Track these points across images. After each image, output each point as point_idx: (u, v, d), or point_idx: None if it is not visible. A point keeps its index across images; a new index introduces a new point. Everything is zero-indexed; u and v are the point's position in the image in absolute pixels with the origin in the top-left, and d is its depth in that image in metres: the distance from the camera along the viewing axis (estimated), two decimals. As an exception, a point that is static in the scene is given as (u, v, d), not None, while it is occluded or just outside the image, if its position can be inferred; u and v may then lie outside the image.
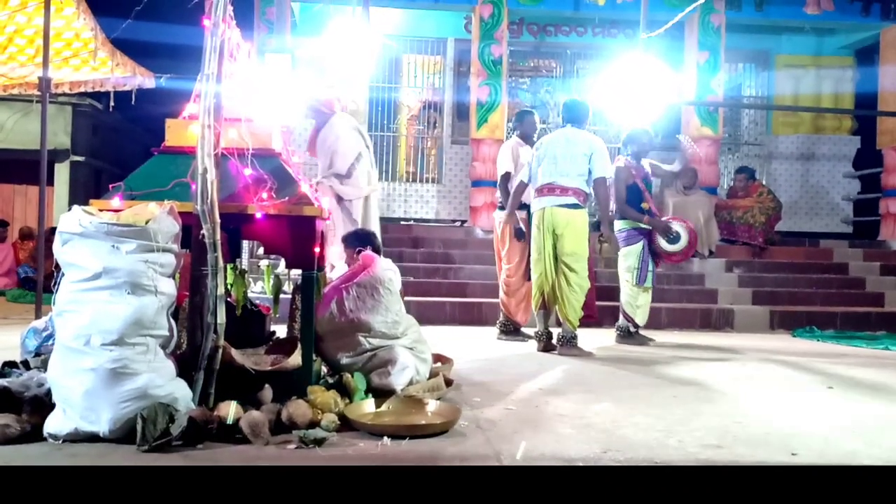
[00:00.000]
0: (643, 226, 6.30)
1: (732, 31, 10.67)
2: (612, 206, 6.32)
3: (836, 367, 5.38)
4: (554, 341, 5.78)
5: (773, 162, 11.98)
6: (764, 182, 10.89)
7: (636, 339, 6.38)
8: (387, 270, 4.01)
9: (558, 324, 5.80)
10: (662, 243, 6.30)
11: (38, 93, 6.40)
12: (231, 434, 2.80)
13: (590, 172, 5.74)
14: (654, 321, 7.71)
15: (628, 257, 6.40)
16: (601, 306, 7.53)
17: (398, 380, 3.58)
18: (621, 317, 6.51)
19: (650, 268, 6.38)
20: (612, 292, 7.70)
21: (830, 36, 11.79)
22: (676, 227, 6.32)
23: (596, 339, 6.28)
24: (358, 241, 4.33)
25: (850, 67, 12.02)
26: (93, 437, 2.71)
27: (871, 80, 11.24)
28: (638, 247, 6.34)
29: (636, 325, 6.45)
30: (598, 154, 5.75)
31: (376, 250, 4.30)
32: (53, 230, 3.10)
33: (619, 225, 6.38)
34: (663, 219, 6.50)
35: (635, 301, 6.42)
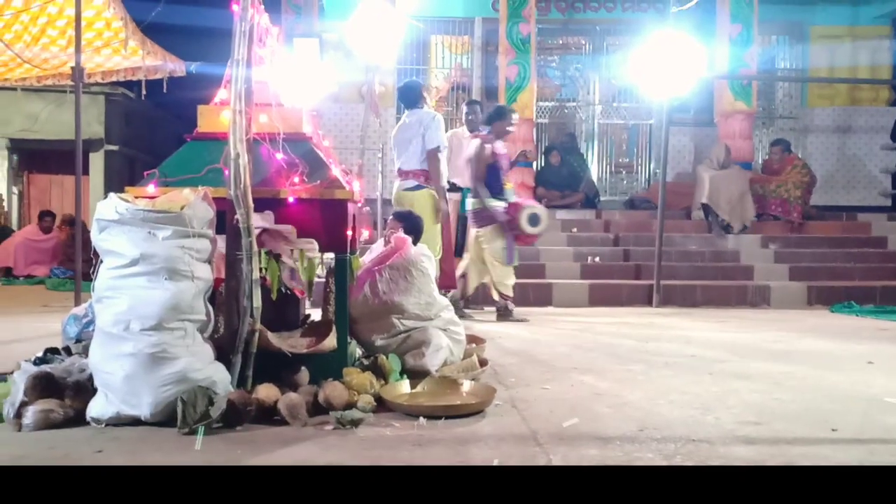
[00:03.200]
0: (497, 205, 6.29)
1: (765, 2, 10.49)
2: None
3: (875, 342, 5.30)
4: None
5: (808, 135, 11.78)
6: (800, 156, 10.73)
7: (515, 317, 6.35)
8: (420, 255, 4.02)
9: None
10: (525, 225, 6.24)
11: (71, 83, 6.47)
12: (269, 416, 2.84)
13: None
14: (690, 299, 7.69)
15: (493, 239, 6.35)
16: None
17: (433, 361, 3.60)
18: (497, 296, 6.47)
19: (516, 247, 6.40)
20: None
21: (866, 5, 11.54)
22: (536, 210, 6.31)
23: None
24: (411, 225, 4.44)
25: (888, 37, 11.75)
26: (134, 421, 2.75)
27: (909, 50, 11.01)
28: (498, 227, 6.35)
29: (512, 303, 6.44)
30: (421, 128, 5.95)
31: (416, 240, 4.44)
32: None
33: (476, 204, 6.37)
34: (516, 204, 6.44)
35: (506, 280, 6.39)
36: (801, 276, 8.40)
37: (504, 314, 6.37)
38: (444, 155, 6.04)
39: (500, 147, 6.45)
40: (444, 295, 6.50)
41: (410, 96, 6.19)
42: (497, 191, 6.33)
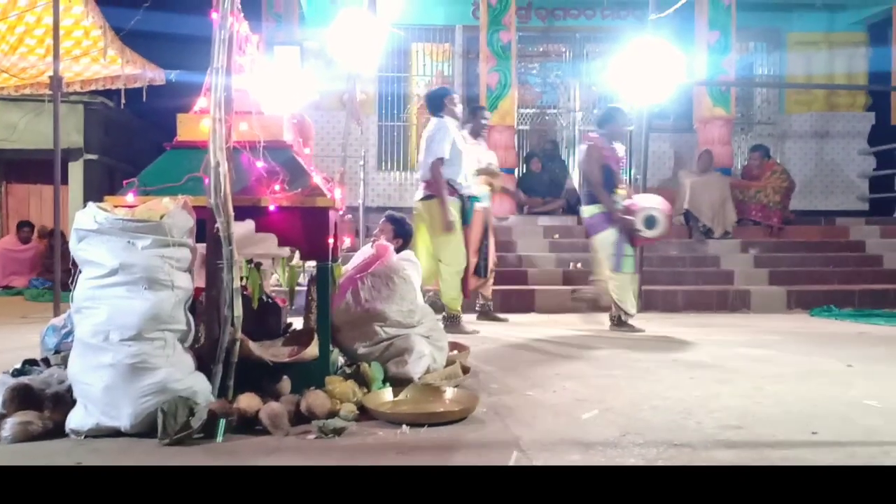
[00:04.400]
0: (617, 208, 6.01)
1: (743, 9, 10.58)
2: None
3: (854, 345, 5.35)
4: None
5: (786, 141, 11.89)
6: (778, 161, 10.82)
7: (628, 328, 6.11)
8: (404, 261, 4.03)
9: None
10: (641, 228, 5.96)
11: (50, 92, 6.42)
12: (251, 426, 2.82)
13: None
14: (671, 304, 7.73)
15: (604, 245, 6.09)
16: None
17: (415, 368, 3.59)
18: (613, 307, 6.20)
19: (627, 252, 6.04)
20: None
21: (842, 11, 11.68)
22: (652, 211, 6.00)
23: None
24: (401, 229, 4.56)
25: (863, 43, 11.90)
26: (114, 432, 2.73)
27: (884, 55, 11.14)
28: (609, 233, 6.05)
29: (627, 314, 6.13)
30: (426, 139, 6.02)
31: (405, 244, 4.56)
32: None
33: (590, 211, 6.14)
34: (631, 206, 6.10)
35: (625, 292, 6.09)
36: (781, 280, 8.46)
37: (616, 324, 6.15)
38: (449, 163, 5.93)
39: (619, 150, 6.20)
40: (487, 307, 6.60)
41: (431, 104, 6.20)
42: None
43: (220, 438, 2.68)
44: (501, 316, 6.87)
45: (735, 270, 8.69)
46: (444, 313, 6.04)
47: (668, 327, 6.37)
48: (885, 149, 11.41)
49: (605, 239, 6.07)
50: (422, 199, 6.03)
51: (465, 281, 6.15)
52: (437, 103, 6.13)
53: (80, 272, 2.87)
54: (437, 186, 5.89)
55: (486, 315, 6.82)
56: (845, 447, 2.70)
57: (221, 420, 2.74)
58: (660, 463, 2.48)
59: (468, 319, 6.32)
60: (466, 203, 6.09)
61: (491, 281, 6.89)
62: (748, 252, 9.25)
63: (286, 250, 3.42)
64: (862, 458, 2.54)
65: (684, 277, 8.49)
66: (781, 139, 11.89)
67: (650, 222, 5.97)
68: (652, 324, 6.62)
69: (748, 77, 12.14)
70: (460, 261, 6.02)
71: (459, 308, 6.09)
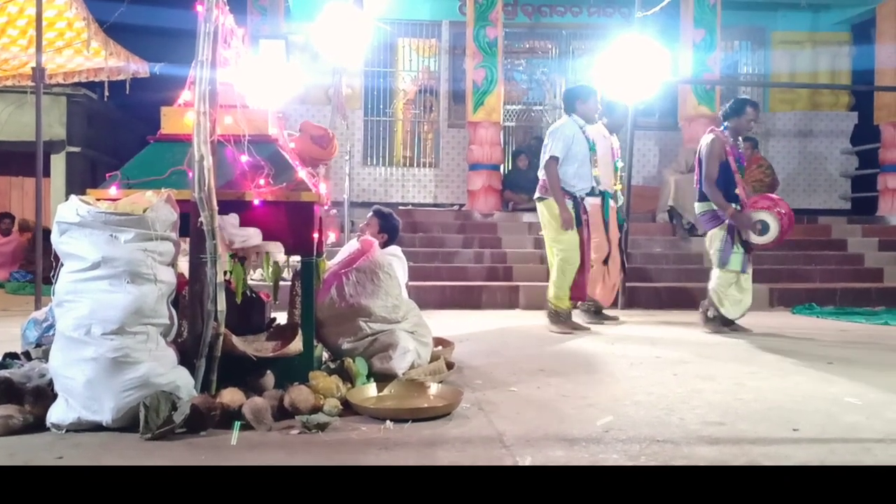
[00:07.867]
0: (724, 210, 5.70)
1: (728, 8, 10.64)
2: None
3: (835, 342, 5.39)
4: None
5: (770, 139, 11.96)
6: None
7: (716, 325, 5.86)
8: (390, 256, 4.02)
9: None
10: (752, 235, 5.71)
11: (32, 84, 6.35)
12: (234, 420, 2.81)
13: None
14: (654, 301, 7.76)
15: (713, 241, 5.85)
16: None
17: (400, 364, 3.58)
18: (707, 301, 5.99)
19: (736, 250, 5.73)
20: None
21: (826, 11, 11.75)
22: (763, 216, 5.69)
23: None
24: (388, 224, 4.59)
25: (847, 43, 11.99)
26: (96, 427, 2.71)
27: (867, 55, 11.21)
28: (718, 231, 5.80)
29: (719, 313, 5.85)
30: (547, 136, 6.05)
31: (391, 239, 4.57)
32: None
33: (701, 207, 5.90)
34: (749, 206, 5.75)
35: (725, 289, 5.81)
36: (763, 278, 8.49)
37: (706, 320, 5.92)
38: (563, 162, 5.84)
39: (739, 146, 5.94)
40: (579, 307, 6.33)
41: (564, 102, 6.22)
42: (729, 193, 5.75)
43: (234, 441, 2.64)
44: (611, 314, 6.51)
45: (718, 268, 8.72)
46: (547, 308, 6.06)
47: (652, 324, 6.39)
48: (868, 148, 11.51)
49: (714, 235, 5.84)
50: (537, 199, 6.07)
51: (578, 282, 5.96)
52: (567, 102, 6.14)
53: (62, 265, 2.85)
54: (551, 186, 5.86)
55: (596, 314, 6.43)
56: (826, 444, 2.72)
57: (237, 423, 2.74)
58: (643, 458, 2.49)
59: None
60: (579, 203, 5.90)
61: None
62: (731, 250, 9.29)
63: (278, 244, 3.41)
64: (843, 455, 2.57)
65: (668, 274, 8.52)
66: (765, 137, 11.95)
67: (762, 228, 5.72)
68: (636, 320, 6.66)
69: (733, 75, 12.21)
70: (574, 259, 5.87)
71: (565, 306, 5.94)
